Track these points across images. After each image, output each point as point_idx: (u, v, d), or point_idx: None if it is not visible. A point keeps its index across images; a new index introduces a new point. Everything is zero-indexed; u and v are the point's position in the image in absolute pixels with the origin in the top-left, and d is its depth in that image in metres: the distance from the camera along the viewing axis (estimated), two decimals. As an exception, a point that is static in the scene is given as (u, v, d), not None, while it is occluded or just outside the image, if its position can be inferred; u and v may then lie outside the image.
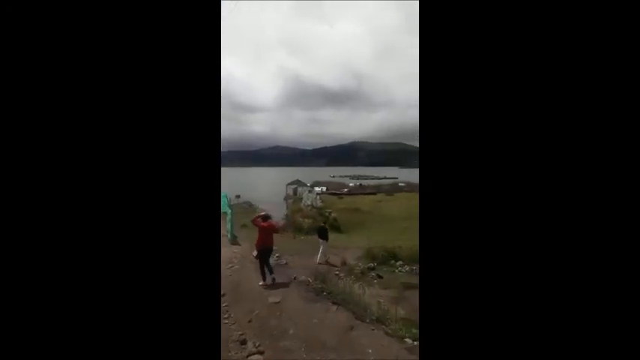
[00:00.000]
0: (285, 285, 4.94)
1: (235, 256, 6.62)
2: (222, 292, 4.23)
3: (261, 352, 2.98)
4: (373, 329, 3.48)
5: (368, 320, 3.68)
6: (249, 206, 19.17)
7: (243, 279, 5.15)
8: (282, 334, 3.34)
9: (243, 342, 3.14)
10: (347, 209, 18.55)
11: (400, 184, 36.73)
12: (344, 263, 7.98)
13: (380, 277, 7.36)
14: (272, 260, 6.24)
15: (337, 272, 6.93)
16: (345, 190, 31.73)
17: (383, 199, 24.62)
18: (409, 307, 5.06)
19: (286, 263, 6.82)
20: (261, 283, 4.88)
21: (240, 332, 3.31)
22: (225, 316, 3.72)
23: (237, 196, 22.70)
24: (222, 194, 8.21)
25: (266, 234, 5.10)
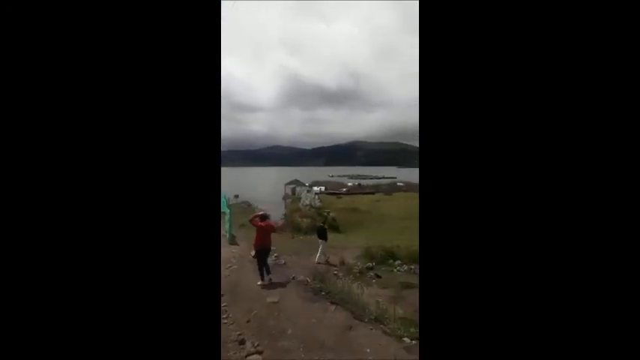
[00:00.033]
0: (283, 285, 4.94)
1: (234, 256, 6.61)
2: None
3: (259, 352, 2.98)
4: (371, 329, 3.48)
5: (366, 320, 3.68)
6: (247, 206, 19.14)
7: (241, 279, 5.15)
8: (280, 333, 3.34)
9: (242, 342, 3.14)
10: (345, 209, 18.55)
11: (399, 183, 36.79)
12: (342, 263, 7.98)
13: (378, 276, 7.37)
14: (270, 260, 6.24)
15: (336, 272, 6.93)
16: (344, 189, 31.75)
17: (381, 199, 24.66)
18: (407, 306, 5.07)
19: (285, 263, 6.82)
20: (259, 283, 4.88)
21: (238, 332, 3.31)
22: (224, 316, 3.71)
23: (236, 196, 22.67)
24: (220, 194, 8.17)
25: (264, 234, 5.09)
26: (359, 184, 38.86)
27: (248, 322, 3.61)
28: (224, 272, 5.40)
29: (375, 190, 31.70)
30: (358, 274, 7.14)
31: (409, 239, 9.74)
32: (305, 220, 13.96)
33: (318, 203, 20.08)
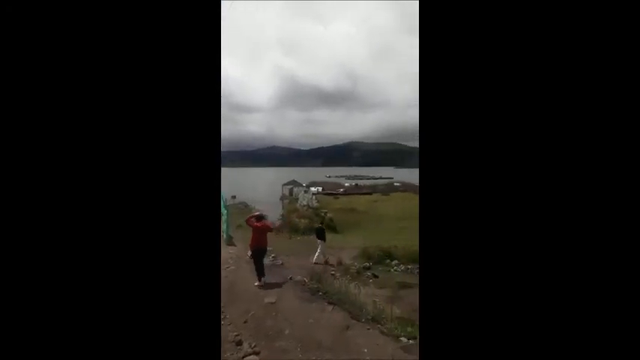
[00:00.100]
0: (280, 285, 4.94)
1: (231, 256, 6.59)
2: (217, 293, 4.21)
3: (256, 353, 2.97)
4: (369, 329, 3.49)
5: (364, 320, 3.69)
6: (244, 207, 19.09)
7: (238, 279, 5.13)
8: (277, 334, 3.33)
9: (239, 343, 3.13)
10: (343, 209, 18.58)
11: (396, 184, 36.89)
12: (340, 263, 8.00)
13: (375, 276, 7.39)
14: (268, 260, 6.23)
15: (333, 272, 6.94)
16: (341, 190, 31.78)
17: (379, 199, 24.71)
18: (404, 306, 5.09)
19: (282, 264, 6.81)
20: (256, 284, 4.87)
21: (235, 333, 3.30)
22: (221, 317, 3.70)
23: (233, 197, 22.60)
24: (217, 195, 8.12)
25: (260, 234, 5.08)
26: (356, 185, 38.92)
27: (245, 322, 3.60)
28: (221, 273, 5.39)
29: (372, 190, 31.77)
30: (355, 274, 7.16)
31: (406, 239, 9.78)
32: (302, 220, 13.96)
33: (315, 204, 20.09)
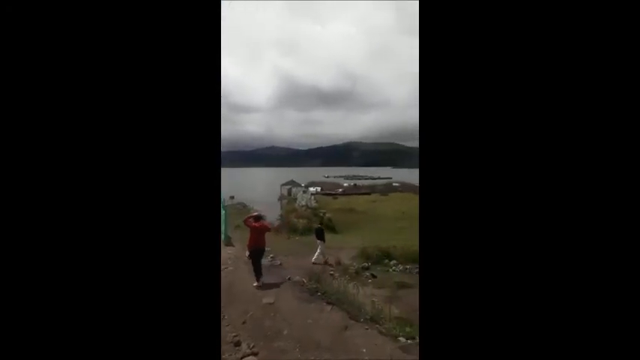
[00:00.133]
0: (279, 286, 4.93)
1: (229, 257, 6.57)
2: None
3: (255, 354, 2.96)
4: (367, 329, 3.49)
5: (362, 320, 3.69)
6: (243, 207, 19.07)
7: (237, 280, 5.12)
8: (276, 334, 3.33)
9: (237, 343, 3.12)
10: (341, 209, 18.60)
11: (394, 184, 36.95)
12: (339, 263, 8.00)
13: (374, 276, 7.40)
14: (266, 261, 6.22)
15: (332, 272, 6.94)
16: (340, 190, 31.80)
17: (377, 199, 24.75)
18: (403, 306, 5.10)
19: (280, 264, 6.80)
20: (255, 284, 4.86)
21: (234, 334, 3.29)
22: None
23: (231, 197, 22.57)
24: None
25: (258, 234, 5.08)
26: (355, 185, 38.96)
27: (244, 323, 3.60)
28: (219, 273, 5.37)
29: (370, 190, 31.80)
30: (354, 274, 7.16)
31: (405, 239, 9.79)
32: (301, 220, 13.96)
33: (314, 204, 20.09)
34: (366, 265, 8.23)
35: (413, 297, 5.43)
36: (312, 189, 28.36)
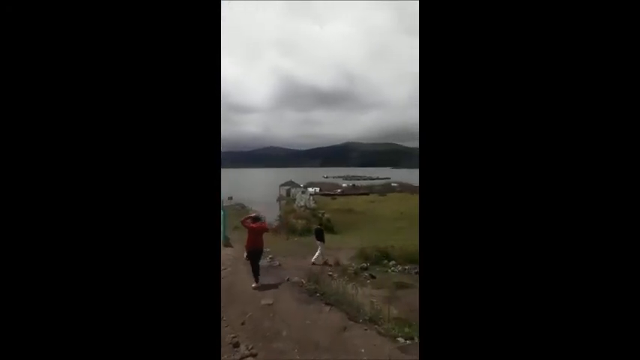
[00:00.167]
0: (277, 286, 4.93)
1: (228, 258, 6.56)
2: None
3: (254, 355, 2.96)
4: (366, 329, 3.49)
5: (361, 320, 3.69)
6: (241, 208, 19.04)
7: (235, 281, 5.12)
8: (275, 335, 3.33)
9: (236, 345, 3.12)
10: (340, 210, 18.60)
11: (393, 184, 36.99)
12: (337, 264, 8.01)
13: (373, 277, 7.40)
14: (265, 262, 6.21)
15: (330, 273, 6.94)
16: (339, 190, 31.80)
17: (376, 200, 24.77)
18: (402, 306, 5.10)
19: (279, 265, 6.80)
20: (253, 286, 4.86)
21: (232, 335, 3.29)
22: (218, 318, 3.68)
23: (230, 198, 22.53)
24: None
25: (256, 235, 5.07)
26: (353, 185, 38.98)
27: (242, 324, 3.59)
28: (218, 274, 5.35)
29: (369, 190, 31.83)
30: (353, 275, 7.16)
31: (403, 239, 9.81)
32: (300, 221, 13.95)
33: (312, 204, 20.08)
34: (365, 265, 8.24)
35: (411, 297, 5.43)
36: (310, 189, 28.36)
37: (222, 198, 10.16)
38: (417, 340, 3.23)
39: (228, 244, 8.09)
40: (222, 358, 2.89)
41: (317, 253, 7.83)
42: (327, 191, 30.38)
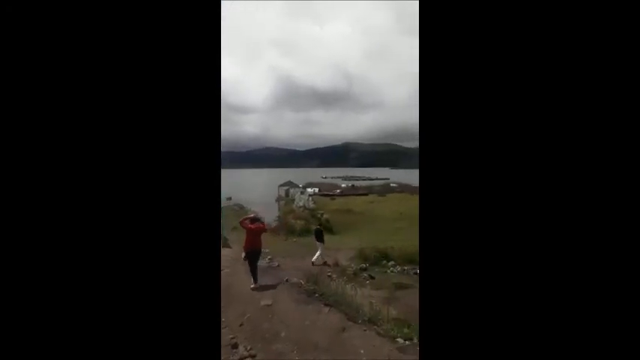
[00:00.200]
0: (276, 287, 4.92)
1: (226, 259, 6.55)
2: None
3: (252, 356, 2.95)
4: (365, 330, 3.48)
5: (360, 321, 3.68)
6: (240, 208, 19.02)
7: (234, 282, 5.10)
8: (274, 336, 3.32)
9: (235, 346, 3.10)
10: (339, 210, 18.59)
11: (392, 184, 37.02)
12: (336, 264, 8.00)
13: (372, 277, 7.40)
14: (264, 262, 6.20)
15: (329, 273, 6.94)
16: (338, 191, 31.80)
17: (375, 200, 24.77)
18: (401, 307, 5.10)
19: (278, 265, 6.79)
20: (252, 286, 4.85)
21: (231, 336, 3.28)
22: (216, 319, 3.67)
23: (228, 199, 22.51)
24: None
25: (254, 236, 5.07)
26: (352, 186, 39.00)
27: (241, 325, 3.58)
28: (217, 275, 5.34)
29: (368, 191, 31.84)
30: (352, 276, 7.16)
31: (403, 240, 9.81)
32: (299, 221, 13.94)
33: (311, 205, 20.07)
34: (364, 266, 8.23)
35: (410, 298, 5.43)
36: (309, 190, 28.37)
37: (220, 198, 10.15)
38: (415, 340, 3.22)
39: (226, 245, 8.07)
40: (220, 359, 2.88)
41: (317, 254, 7.83)
42: (326, 192, 30.38)
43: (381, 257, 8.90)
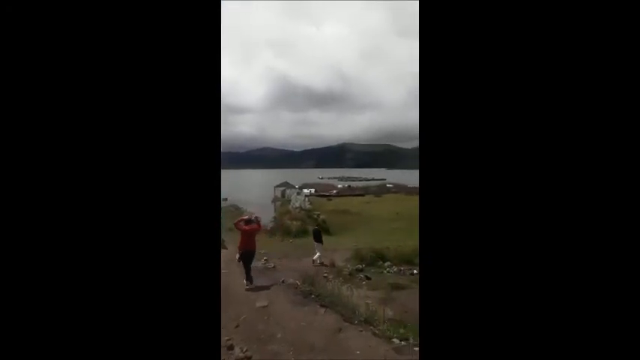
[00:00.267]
0: (272, 288, 4.90)
1: (222, 260, 6.52)
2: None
3: (248, 357, 2.94)
4: (361, 330, 3.49)
5: (356, 322, 3.69)
6: (235, 209, 18.94)
7: (230, 283, 5.08)
8: (270, 338, 3.31)
9: (230, 347, 3.09)
10: (336, 211, 18.60)
11: (388, 185, 37.15)
12: (332, 265, 8.00)
13: (368, 278, 7.40)
14: (260, 263, 6.18)
15: (325, 274, 6.93)
16: (334, 191, 31.84)
17: (371, 201, 24.84)
18: (397, 307, 5.11)
19: (274, 266, 6.77)
20: (246, 287, 4.83)
21: (227, 338, 3.26)
22: (212, 321, 3.65)
23: (225, 199, 22.40)
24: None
25: (248, 237, 5.08)
26: (349, 186, 39.07)
27: (237, 327, 3.56)
28: (212, 276, 5.31)
29: (364, 191, 31.93)
30: (348, 276, 7.15)
31: (399, 240, 9.85)
32: (295, 222, 13.92)
33: (308, 205, 20.04)
34: (360, 266, 8.24)
35: (406, 298, 5.45)
36: (306, 190, 28.35)
37: (216, 199, 10.09)
38: (412, 341, 3.23)
39: (222, 246, 8.03)
40: (216, 361, 2.86)
41: (317, 254, 7.83)
42: (323, 192, 30.39)
43: (377, 258, 8.91)
